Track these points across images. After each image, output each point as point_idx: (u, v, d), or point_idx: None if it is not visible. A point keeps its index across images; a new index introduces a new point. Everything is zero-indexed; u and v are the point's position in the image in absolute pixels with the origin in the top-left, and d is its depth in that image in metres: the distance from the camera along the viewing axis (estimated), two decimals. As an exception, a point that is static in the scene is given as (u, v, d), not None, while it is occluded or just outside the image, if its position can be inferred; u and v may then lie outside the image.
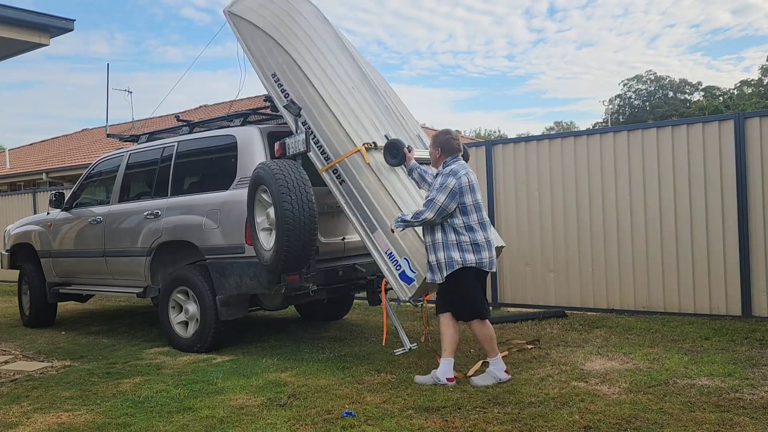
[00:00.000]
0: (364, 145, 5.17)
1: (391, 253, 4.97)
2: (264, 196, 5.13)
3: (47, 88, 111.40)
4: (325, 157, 5.26)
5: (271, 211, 5.02)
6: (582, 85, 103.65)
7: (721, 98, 59.61)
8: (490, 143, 7.78)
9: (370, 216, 5.06)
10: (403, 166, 5.18)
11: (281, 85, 5.49)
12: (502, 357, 5.07)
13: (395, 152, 5.13)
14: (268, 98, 5.75)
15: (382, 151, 5.19)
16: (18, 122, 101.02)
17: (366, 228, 5.09)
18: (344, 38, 6.20)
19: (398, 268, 4.96)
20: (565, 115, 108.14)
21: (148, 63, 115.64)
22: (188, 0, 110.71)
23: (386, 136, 5.39)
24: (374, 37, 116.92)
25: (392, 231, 4.81)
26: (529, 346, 5.41)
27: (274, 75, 5.53)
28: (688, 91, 66.41)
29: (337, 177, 5.22)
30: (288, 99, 5.40)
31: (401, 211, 4.92)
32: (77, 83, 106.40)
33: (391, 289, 5.09)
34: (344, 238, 5.90)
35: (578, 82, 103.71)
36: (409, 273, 4.92)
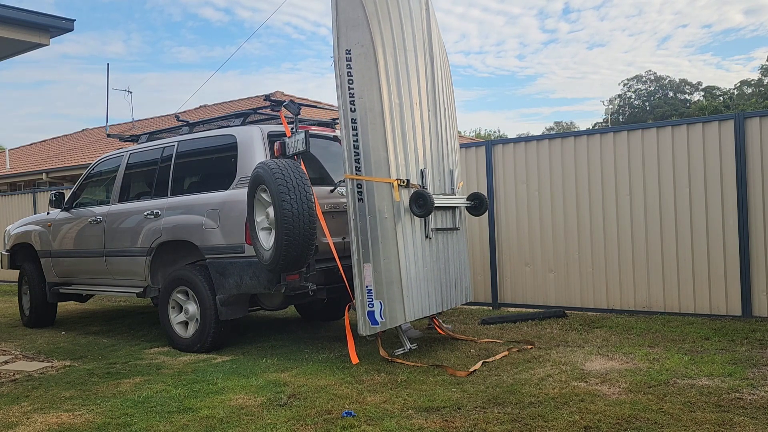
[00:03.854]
0: (397, 180, 5.08)
1: (371, 290, 5.03)
2: (264, 195, 5.13)
3: (60, 87, 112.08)
4: (356, 167, 5.06)
5: (271, 210, 5.02)
6: (590, 85, 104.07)
7: (721, 98, 59.64)
8: (490, 143, 7.78)
9: (370, 247, 5.02)
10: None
11: (350, 66, 5.08)
12: (502, 357, 5.09)
13: (422, 203, 5.09)
14: (267, 98, 5.74)
15: (411, 196, 5.14)
16: (30, 122, 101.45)
17: (360, 254, 5.05)
18: (435, 33, 5.83)
19: (371, 306, 5.05)
20: (571, 114, 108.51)
21: (161, 63, 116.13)
22: (208, 0, 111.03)
23: (422, 171, 5.34)
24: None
25: None
26: (528, 346, 5.41)
27: (348, 52, 5.09)
28: (688, 91, 66.45)
29: (358, 192, 5.05)
30: (350, 95, 5.04)
31: (399, 258, 4.97)
32: (90, 83, 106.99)
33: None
34: (345, 238, 5.90)
35: (587, 82, 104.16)
36: (377, 316, 5.04)
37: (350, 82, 5.07)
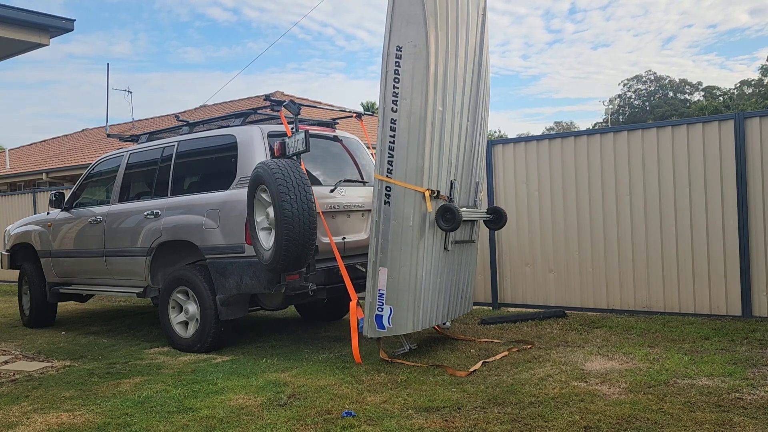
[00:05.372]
0: (429, 190, 4.92)
1: (383, 294, 4.95)
2: (263, 195, 5.13)
3: (65, 87, 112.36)
4: (388, 169, 4.90)
5: (271, 210, 5.02)
6: (594, 85, 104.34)
7: (721, 98, 59.66)
8: (490, 143, 7.77)
9: (389, 252, 4.92)
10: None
11: (398, 65, 4.82)
12: (502, 357, 5.09)
13: (449, 217, 4.96)
14: (267, 98, 5.74)
15: (438, 209, 5.01)
16: (34, 122, 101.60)
17: (379, 256, 4.96)
18: (486, 40, 5.67)
19: (380, 309, 4.98)
20: (574, 114, 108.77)
21: (166, 63, 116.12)
22: (216, 0, 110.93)
23: (452, 183, 5.21)
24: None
25: None
26: (528, 346, 5.41)
27: (399, 49, 4.82)
28: (688, 91, 66.49)
29: (386, 194, 4.92)
30: (393, 95, 4.82)
31: (417, 268, 4.87)
32: (95, 82, 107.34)
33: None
34: (345, 238, 5.90)
35: (590, 82, 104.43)
36: (385, 321, 4.98)
37: (396, 80, 4.83)
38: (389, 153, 4.91)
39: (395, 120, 4.88)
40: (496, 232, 7.57)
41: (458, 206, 5.15)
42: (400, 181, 4.90)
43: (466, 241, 5.68)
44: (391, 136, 4.90)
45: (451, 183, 5.23)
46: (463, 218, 5.13)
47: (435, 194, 5.00)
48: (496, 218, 5.92)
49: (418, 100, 4.86)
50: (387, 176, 4.93)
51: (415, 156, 4.89)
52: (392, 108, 4.88)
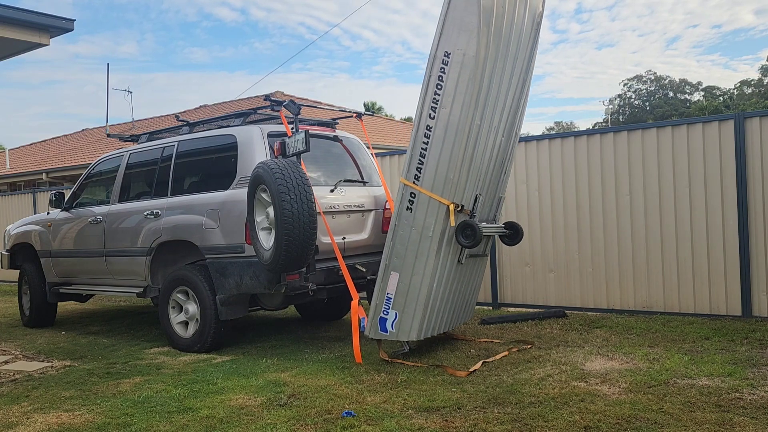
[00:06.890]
0: (454, 204, 4.83)
1: (390, 298, 4.93)
2: (264, 195, 5.13)
3: (69, 87, 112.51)
4: (416, 176, 4.83)
5: (271, 210, 5.02)
6: (598, 85, 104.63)
7: (721, 98, 59.69)
8: (490, 143, 7.76)
9: (404, 258, 4.88)
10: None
11: (443, 71, 4.68)
12: (502, 357, 5.09)
13: (469, 233, 4.87)
14: (267, 98, 5.74)
15: (459, 224, 4.91)
16: (37, 121, 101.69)
17: (391, 260, 4.93)
18: (535, 55, 5.54)
19: (385, 312, 4.97)
20: (577, 114, 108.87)
21: (172, 63, 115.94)
22: (225, 0, 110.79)
23: (476, 197, 5.08)
24: (399, 38, 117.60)
25: None
26: (528, 346, 5.41)
27: (447, 55, 4.66)
28: (688, 91, 66.51)
29: (410, 200, 4.87)
30: (433, 101, 4.72)
31: (430, 279, 4.81)
32: (100, 82, 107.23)
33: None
34: (345, 238, 5.90)
35: (594, 82, 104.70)
36: (389, 324, 4.97)
37: (438, 87, 4.71)
38: (419, 159, 4.82)
39: (431, 127, 4.77)
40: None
41: (479, 221, 5.05)
42: (426, 190, 4.82)
43: (480, 255, 5.62)
44: (424, 143, 4.80)
45: (476, 197, 5.10)
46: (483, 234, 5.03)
47: (459, 208, 4.90)
48: (512, 234, 5.76)
49: (458, 111, 4.71)
50: (414, 182, 4.86)
51: (446, 168, 4.77)
52: (430, 114, 4.76)
